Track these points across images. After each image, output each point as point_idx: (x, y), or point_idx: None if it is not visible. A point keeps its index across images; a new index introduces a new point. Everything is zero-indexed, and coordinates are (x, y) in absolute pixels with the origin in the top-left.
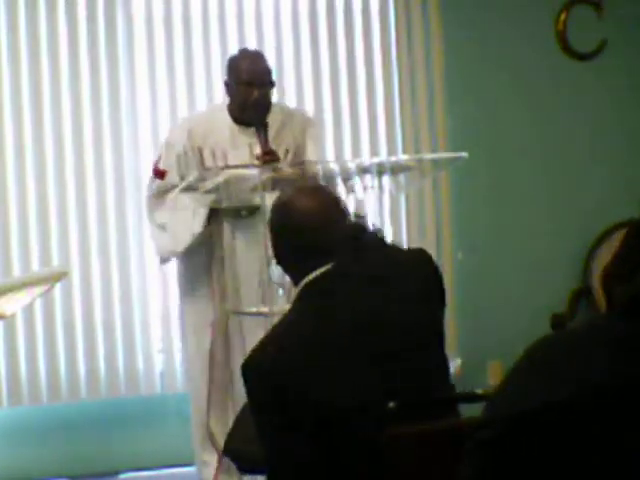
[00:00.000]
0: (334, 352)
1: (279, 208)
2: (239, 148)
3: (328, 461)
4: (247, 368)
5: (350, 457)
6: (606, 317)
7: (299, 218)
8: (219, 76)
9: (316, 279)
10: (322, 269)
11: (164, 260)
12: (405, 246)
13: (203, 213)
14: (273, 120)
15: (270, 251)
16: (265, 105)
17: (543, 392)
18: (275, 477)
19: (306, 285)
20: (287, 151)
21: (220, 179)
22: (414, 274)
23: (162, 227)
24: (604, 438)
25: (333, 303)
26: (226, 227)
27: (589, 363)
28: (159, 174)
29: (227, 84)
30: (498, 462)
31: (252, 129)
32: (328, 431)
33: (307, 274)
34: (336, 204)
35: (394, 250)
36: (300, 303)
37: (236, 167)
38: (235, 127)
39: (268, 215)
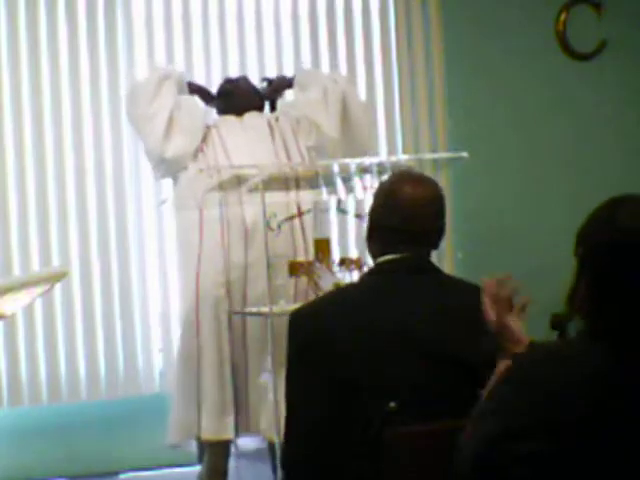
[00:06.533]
0: (376, 333)
1: (386, 186)
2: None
3: (340, 428)
4: (294, 315)
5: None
6: (583, 343)
7: (399, 202)
8: (219, 76)
9: (390, 261)
10: (400, 255)
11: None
12: None
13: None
14: (284, 129)
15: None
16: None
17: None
18: (289, 427)
19: (380, 263)
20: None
21: (223, 177)
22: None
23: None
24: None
25: (393, 290)
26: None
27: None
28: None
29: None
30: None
31: None
32: (347, 403)
33: (386, 254)
34: (438, 200)
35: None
36: (368, 278)
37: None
38: None
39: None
